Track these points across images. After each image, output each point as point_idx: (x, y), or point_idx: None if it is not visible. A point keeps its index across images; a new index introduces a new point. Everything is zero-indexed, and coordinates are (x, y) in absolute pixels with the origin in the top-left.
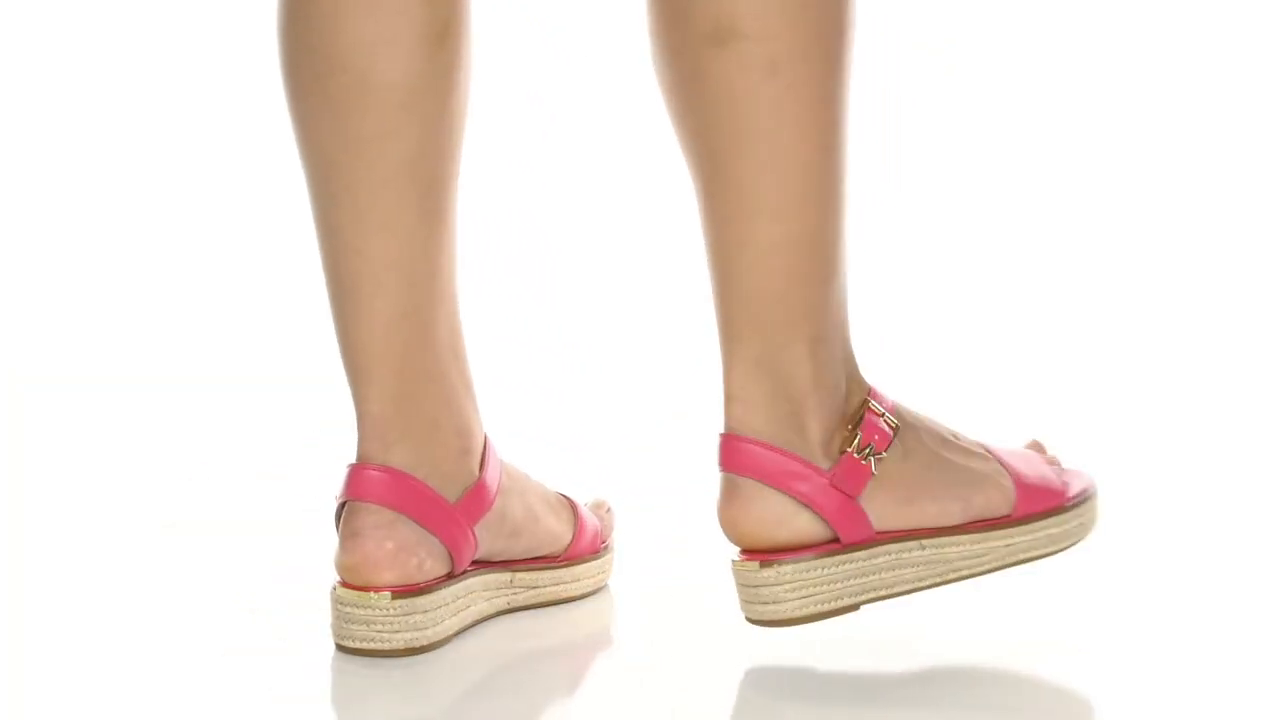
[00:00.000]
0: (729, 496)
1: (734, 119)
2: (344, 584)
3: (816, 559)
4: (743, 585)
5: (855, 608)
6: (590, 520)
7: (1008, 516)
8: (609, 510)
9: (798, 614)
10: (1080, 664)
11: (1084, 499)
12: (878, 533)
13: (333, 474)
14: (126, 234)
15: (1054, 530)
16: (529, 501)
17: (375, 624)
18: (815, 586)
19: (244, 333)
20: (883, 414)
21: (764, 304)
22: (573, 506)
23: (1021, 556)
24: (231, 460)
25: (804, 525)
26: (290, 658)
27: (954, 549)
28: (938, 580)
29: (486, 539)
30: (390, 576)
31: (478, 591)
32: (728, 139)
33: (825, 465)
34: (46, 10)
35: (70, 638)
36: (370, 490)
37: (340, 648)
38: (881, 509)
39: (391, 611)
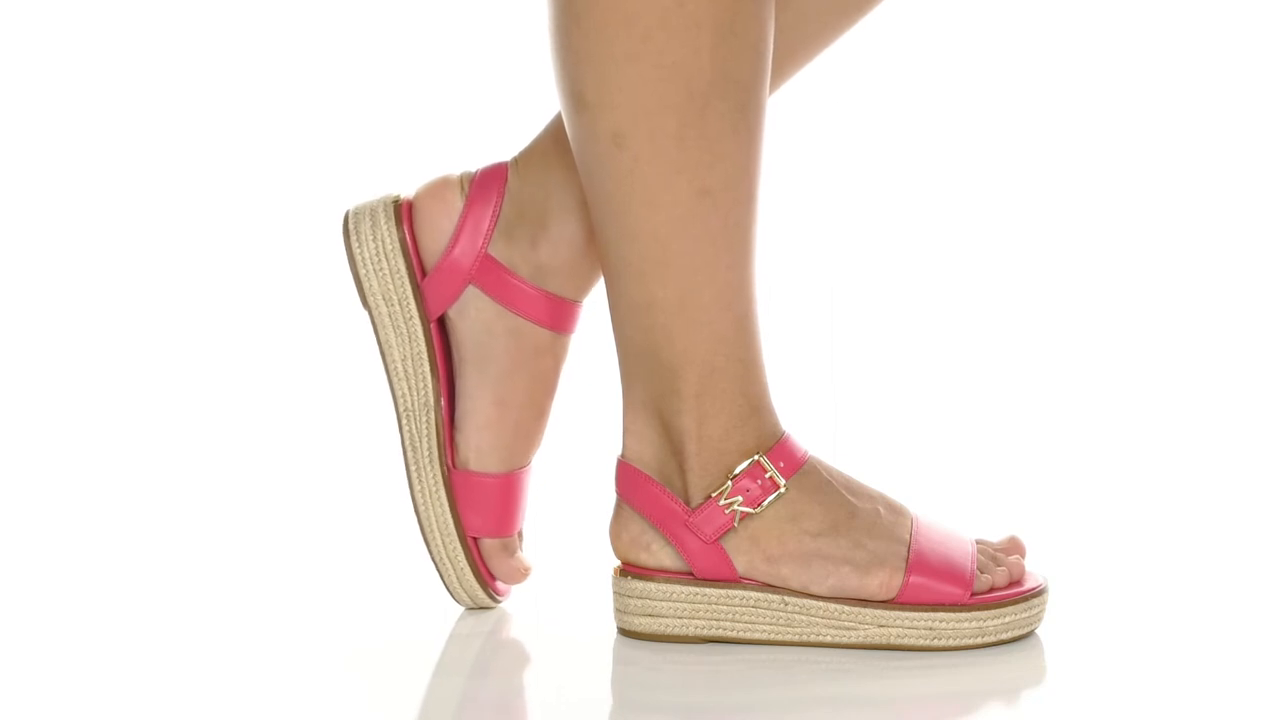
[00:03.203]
0: (614, 514)
1: (591, 185)
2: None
3: (666, 584)
4: (613, 592)
5: (708, 640)
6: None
7: (886, 601)
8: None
9: (643, 629)
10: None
11: (996, 605)
12: (741, 577)
13: (331, 473)
14: (125, 234)
15: (939, 626)
16: None
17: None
18: (662, 607)
19: (244, 332)
20: (769, 473)
21: (642, 357)
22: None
23: (895, 641)
24: (232, 459)
25: (661, 552)
26: (291, 658)
27: (818, 614)
28: (798, 639)
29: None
30: None
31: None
32: (592, 204)
33: (695, 504)
34: (46, 10)
35: (70, 638)
36: None
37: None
38: (748, 558)
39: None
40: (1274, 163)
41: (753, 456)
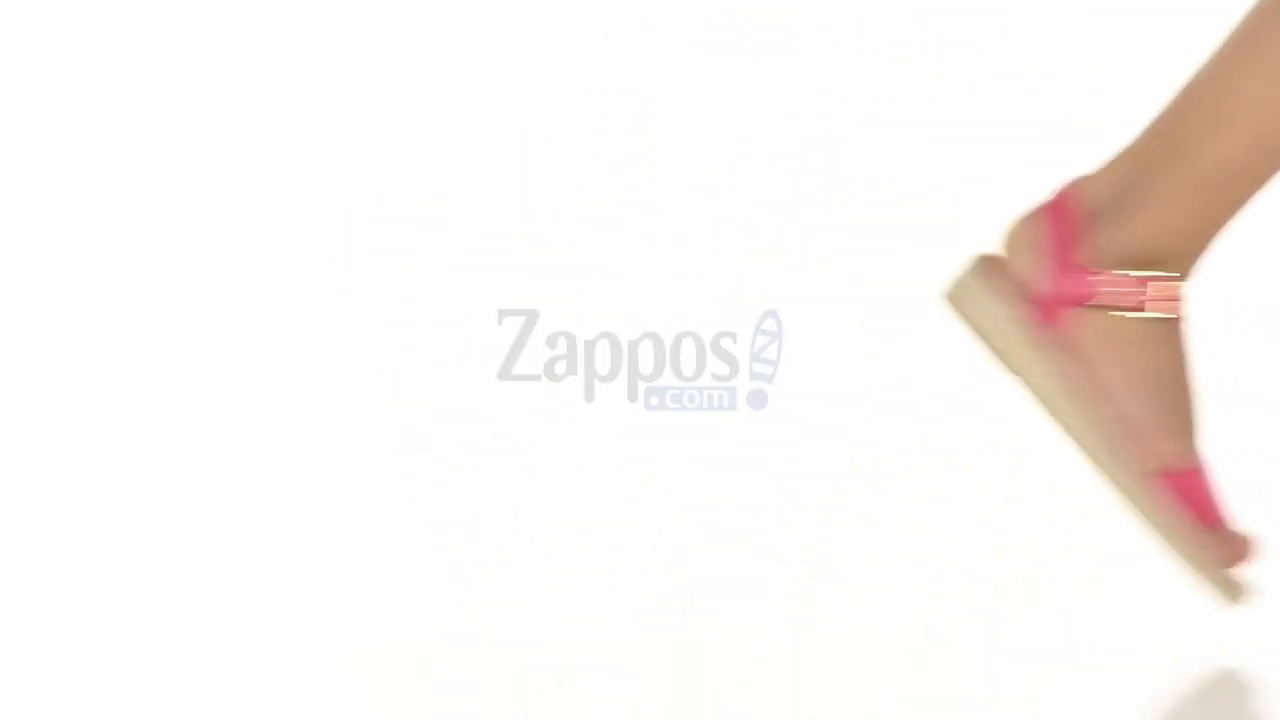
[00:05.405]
0: (1028, 213)
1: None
2: None
3: (999, 297)
4: (963, 268)
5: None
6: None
7: (1147, 473)
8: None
9: (959, 310)
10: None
11: (1228, 551)
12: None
13: (331, 473)
14: (123, 233)
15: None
16: None
17: None
18: (983, 303)
19: (242, 330)
20: (1158, 299)
21: (1189, 140)
22: None
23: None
24: (233, 452)
25: (1025, 260)
26: (291, 658)
27: (1092, 440)
28: (1050, 413)
29: None
30: None
31: None
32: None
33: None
34: (46, 10)
35: (70, 638)
36: None
37: None
38: (1085, 335)
39: None
40: None
41: (1168, 280)
